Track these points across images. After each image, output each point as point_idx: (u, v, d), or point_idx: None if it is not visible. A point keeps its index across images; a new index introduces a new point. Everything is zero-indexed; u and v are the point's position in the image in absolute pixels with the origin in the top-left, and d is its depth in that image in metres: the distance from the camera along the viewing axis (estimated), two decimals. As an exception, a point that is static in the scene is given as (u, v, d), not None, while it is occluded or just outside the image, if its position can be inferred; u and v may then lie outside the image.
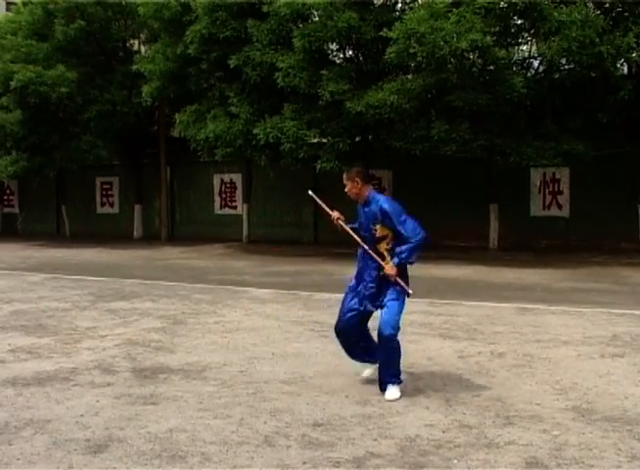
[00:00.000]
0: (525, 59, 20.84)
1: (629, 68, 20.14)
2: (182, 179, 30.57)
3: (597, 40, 17.77)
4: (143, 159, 30.38)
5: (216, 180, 29.76)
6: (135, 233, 30.50)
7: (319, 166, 21.23)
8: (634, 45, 18.28)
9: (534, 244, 22.55)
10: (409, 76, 20.19)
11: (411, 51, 18.37)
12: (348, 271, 17.67)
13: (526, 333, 9.88)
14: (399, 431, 5.97)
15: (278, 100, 21.72)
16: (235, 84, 22.34)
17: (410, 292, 7.13)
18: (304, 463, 5.30)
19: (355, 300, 7.22)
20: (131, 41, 29.93)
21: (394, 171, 25.82)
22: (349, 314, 7.24)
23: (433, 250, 21.99)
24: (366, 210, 7.16)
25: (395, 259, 6.94)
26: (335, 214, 7.39)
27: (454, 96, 18.94)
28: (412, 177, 24.86)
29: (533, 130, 19.76)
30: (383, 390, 6.97)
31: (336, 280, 16.29)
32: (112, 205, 32.81)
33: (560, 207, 23.36)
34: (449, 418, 6.28)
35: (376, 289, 7.09)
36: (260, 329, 10.34)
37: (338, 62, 22.30)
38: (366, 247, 7.08)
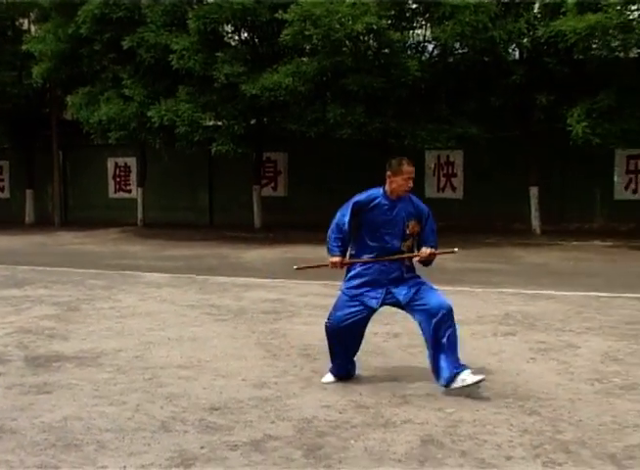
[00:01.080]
0: (419, 43, 21.06)
1: (521, 52, 20.56)
2: (75, 163, 29.97)
3: (490, 25, 18.11)
4: (35, 142, 29.52)
5: (110, 164, 29.31)
6: (27, 218, 29.76)
7: (214, 150, 21.12)
8: (525, 30, 18.71)
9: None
10: (304, 59, 20.18)
11: (306, 33, 18.39)
12: (244, 255, 17.69)
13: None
14: (296, 413, 5.98)
15: (173, 82, 21.46)
16: (129, 66, 21.98)
17: (455, 250, 7.02)
18: (202, 448, 5.26)
19: (365, 297, 6.68)
20: (20, 20, 29.03)
21: (290, 154, 25.86)
22: (356, 314, 6.68)
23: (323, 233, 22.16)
24: (398, 206, 6.69)
25: (430, 245, 6.73)
26: (337, 260, 6.72)
27: (349, 79, 19.04)
28: (307, 160, 24.94)
29: (428, 113, 20.02)
30: (451, 380, 6.41)
31: (232, 263, 16.26)
32: (2, 189, 31.93)
33: (454, 189, 23.79)
34: (346, 399, 6.33)
35: (396, 288, 6.67)
36: (156, 314, 10.23)
37: (233, 44, 22.15)
38: (385, 258, 6.64)
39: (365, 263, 6.71)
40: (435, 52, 20.89)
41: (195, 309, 10.52)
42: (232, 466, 4.96)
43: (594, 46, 18.31)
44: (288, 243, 20.07)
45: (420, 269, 6.88)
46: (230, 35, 22.41)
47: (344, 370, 6.91)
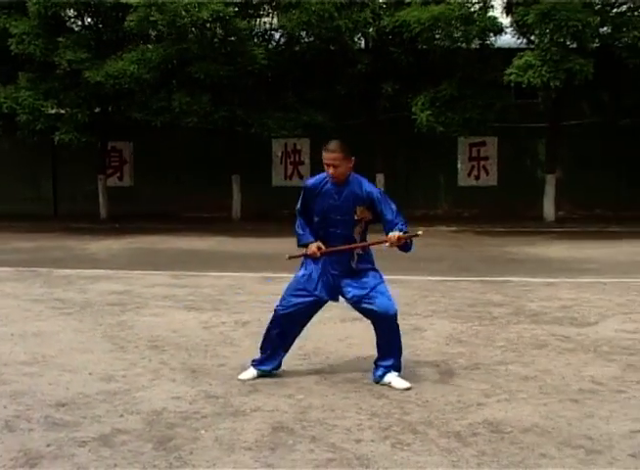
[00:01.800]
0: (266, 31, 21.06)
1: (366, 42, 20.85)
2: None
3: (335, 14, 18.26)
4: None
5: (-54, 153, 28.02)
6: None
7: (57, 138, 20.51)
8: (371, 20, 18.98)
9: (277, 214, 22.93)
10: (150, 46, 19.88)
11: (151, 19, 18.11)
12: (90, 246, 17.26)
13: (270, 301, 9.91)
14: (146, 405, 5.86)
15: (12, 68, 20.69)
16: (-36, 51, 21.06)
17: (420, 232, 6.54)
18: (48, 445, 5.07)
19: (316, 287, 6.50)
20: None
21: (136, 143, 25.40)
22: (305, 300, 6.53)
23: (176, 222, 21.94)
24: (345, 191, 6.42)
25: (398, 228, 6.32)
26: (315, 248, 6.44)
27: (195, 67, 18.86)
28: (154, 149, 24.57)
29: (275, 102, 20.06)
30: (381, 377, 6.37)
31: (77, 255, 15.83)
32: None
33: (301, 176, 23.92)
34: (195, 389, 6.24)
35: (347, 279, 6.48)
36: (-3, 308, 9.84)
37: (76, 29, 21.52)
38: (342, 247, 6.41)
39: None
40: (282, 40, 20.92)
41: (39, 303, 10.16)
42: (80, 463, 4.80)
43: (437, 37, 18.76)
44: (134, 233, 19.70)
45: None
46: (73, 20, 21.79)
47: (277, 362, 6.63)
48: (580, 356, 7.24)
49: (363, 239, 6.52)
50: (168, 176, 24.17)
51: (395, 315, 6.39)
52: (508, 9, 19.94)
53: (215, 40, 19.27)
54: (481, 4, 19.76)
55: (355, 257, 6.46)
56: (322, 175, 6.53)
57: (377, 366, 6.44)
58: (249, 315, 9.07)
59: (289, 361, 6.95)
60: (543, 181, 21.29)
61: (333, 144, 6.54)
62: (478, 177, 23.41)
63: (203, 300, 10.19)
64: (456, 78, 19.02)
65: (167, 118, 19.79)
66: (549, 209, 21.09)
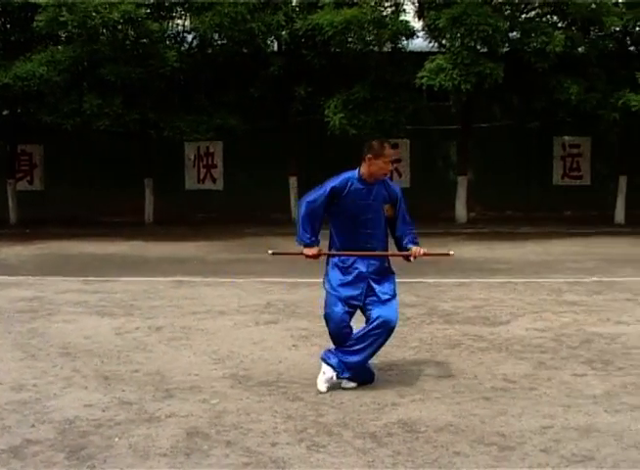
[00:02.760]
0: (178, 33, 20.88)
1: (279, 45, 20.84)
2: None
3: (248, 17, 18.23)
4: None
5: None
6: None
7: (-37, 142, 20.00)
8: (284, 23, 18.98)
9: (190, 217, 22.77)
10: (60, 47, 19.52)
11: (61, 20, 17.78)
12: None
13: (183, 306, 9.93)
14: (57, 414, 5.73)
15: None
16: None
17: (451, 253, 6.61)
18: (-47, 457, 4.93)
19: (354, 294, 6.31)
20: None
21: (46, 146, 24.89)
22: (347, 309, 6.31)
23: (88, 226, 21.58)
24: (374, 189, 6.38)
25: (413, 242, 6.44)
26: (313, 253, 6.32)
27: (107, 69, 18.61)
28: (65, 152, 24.13)
29: (187, 104, 19.90)
30: (342, 376, 6.31)
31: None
32: None
33: (214, 180, 23.80)
34: (109, 396, 6.14)
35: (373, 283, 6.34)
36: None
37: (-18, 30, 21.02)
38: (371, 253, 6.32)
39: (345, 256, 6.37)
40: (195, 43, 20.78)
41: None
42: (-13, 475, 4.68)
43: (350, 40, 18.87)
44: (45, 238, 19.30)
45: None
46: (-21, 20, 21.25)
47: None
48: (493, 355, 7.35)
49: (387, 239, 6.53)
50: (80, 180, 23.75)
51: (394, 327, 6.32)
52: (420, 13, 20.16)
53: (127, 42, 19.03)
54: (394, 8, 19.97)
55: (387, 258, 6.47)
56: (345, 176, 6.44)
57: (336, 355, 6.31)
58: (162, 320, 8.97)
59: (203, 366, 6.92)
60: (455, 183, 21.59)
61: (388, 141, 6.60)
62: (391, 179, 23.59)
63: (115, 305, 10.03)
64: (369, 81, 19.15)
65: (78, 121, 19.45)
66: (461, 210, 21.39)
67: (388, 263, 6.47)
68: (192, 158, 24.05)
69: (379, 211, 6.40)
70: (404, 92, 19.43)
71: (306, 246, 6.34)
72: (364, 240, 6.34)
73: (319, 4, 18.98)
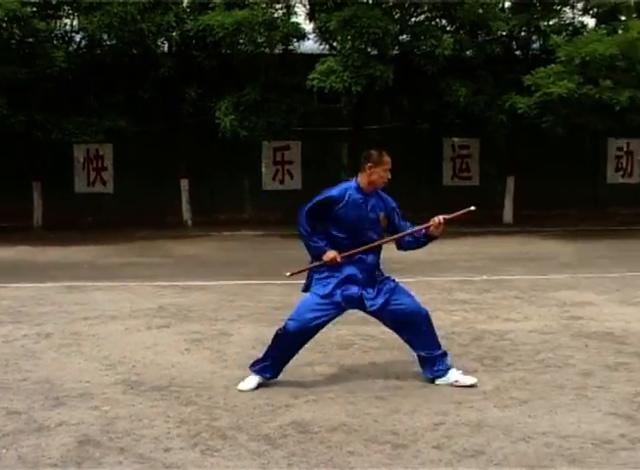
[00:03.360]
0: (66, 33, 20.44)
1: (170, 46, 20.64)
2: None
3: (138, 17, 18.00)
4: None
5: None
6: None
7: None
8: (174, 24, 18.81)
9: (80, 221, 22.31)
10: None
11: (-59, 17, 17.20)
12: None
13: (74, 311, 9.73)
14: (-60, 425, 5.55)
15: None
16: None
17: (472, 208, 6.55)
18: None
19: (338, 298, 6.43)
20: None
21: None
22: (324, 317, 6.45)
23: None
24: (371, 200, 6.47)
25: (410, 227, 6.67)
26: (334, 255, 6.33)
27: (-9, 69, 18.08)
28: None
29: (76, 106, 19.53)
30: (439, 377, 6.46)
31: None
32: None
33: (104, 183, 23.40)
34: (-5, 405, 5.98)
35: (369, 289, 6.46)
36: None
37: None
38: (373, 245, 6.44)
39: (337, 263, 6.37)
40: (83, 43, 20.40)
41: None
42: None
43: (241, 41, 18.81)
44: None
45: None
46: None
47: (278, 371, 6.48)
48: (385, 355, 7.45)
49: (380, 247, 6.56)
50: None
51: (428, 313, 6.51)
52: (311, 15, 20.24)
53: (12, 41, 18.53)
54: (285, 10, 19.99)
55: (377, 264, 6.53)
56: (343, 186, 6.52)
57: (430, 364, 6.46)
58: (52, 326, 8.77)
59: (94, 372, 6.80)
60: (346, 184, 21.74)
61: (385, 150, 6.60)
62: (282, 181, 23.65)
63: (2, 312, 9.75)
64: (260, 83, 19.13)
65: (-39, 123, 18.90)
66: (352, 211, 21.55)
67: (380, 272, 6.57)
68: (81, 160, 23.57)
69: (376, 222, 6.48)
70: (295, 94, 19.47)
71: (324, 253, 6.35)
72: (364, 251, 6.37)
73: (210, 5, 18.88)
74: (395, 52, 19.30)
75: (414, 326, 6.44)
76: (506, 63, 20.52)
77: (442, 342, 7.83)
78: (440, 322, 8.83)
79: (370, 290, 6.43)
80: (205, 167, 22.84)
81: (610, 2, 20.07)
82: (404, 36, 19.22)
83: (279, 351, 6.43)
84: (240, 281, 12.07)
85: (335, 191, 6.43)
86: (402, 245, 6.76)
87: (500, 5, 20.36)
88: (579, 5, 21.13)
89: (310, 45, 20.44)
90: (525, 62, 20.48)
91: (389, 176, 6.52)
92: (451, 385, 6.39)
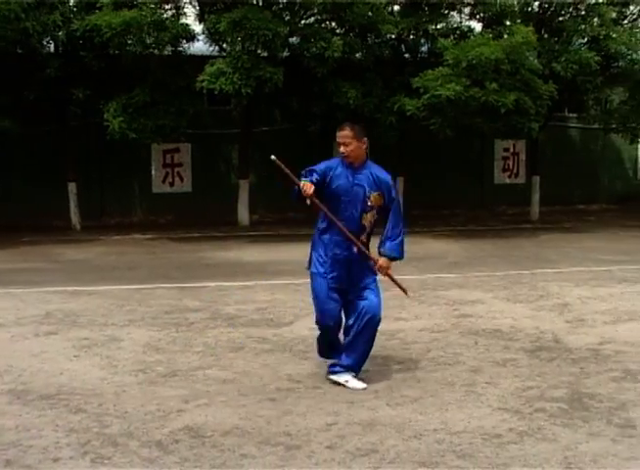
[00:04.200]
0: None
1: (56, 46, 20.17)
2: None
3: (23, 16, 17.52)
4: None
5: None
6: None
7: None
8: (61, 23, 18.42)
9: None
10: None
11: None
12: None
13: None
14: None
15: None
16: None
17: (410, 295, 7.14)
18: None
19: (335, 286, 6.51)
20: None
21: None
22: (335, 305, 6.52)
23: None
24: (359, 175, 6.55)
25: (388, 252, 6.63)
26: (308, 188, 6.25)
27: None
28: None
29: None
30: (334, 373, 6.56)
31: None
32: None
33: (-12, 186, 22.75)
34: None
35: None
36: None
37: None
38: (347, 233, 6.46)
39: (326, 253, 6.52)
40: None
41: None
42: None
43: (129, 42, 18.51)
44: None
45: None
46: None
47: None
48: (277, 356, 7.45)
49: (372, 229, 6.69)
50: None
51: (379, 320, 6.55)
52: (201, 16, 20.08)
53: None
54: (174, 11, 19.80)
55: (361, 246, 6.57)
56: (334, 159, 6.71)
57: (335, 363, 6.60)
58: None
59: (-22, 381, 6.59)
60: (237, 186, 21.66)
61: (344, 124, 6.70)
62: (172, 184, 23.41)
63: None
64: (149, 85, 18.89)
65: None
66: (243, 213, 21.47)
67: (367, 248, 6.65)
68: (-37, 162, 22.88)
69: (359, 197, 6.51)
70: (185, 96, 19.29)
71: (305, 183, 6.32)
72: (344, 223, 6.45)
73: (97, 4, 18.53)
74: (285, 54, 19.33)
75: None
76: (395, 65, 20.77)
77: (334, 342, 7.92)
78: (332, 323, 8.91)
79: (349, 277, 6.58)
80: (94, 170, 22.43)
81: (495, 7, 20.55)
82: (294, 38, 19.26)
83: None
84: (130, 285, 11.88)
85: (325, 162, 6.68)
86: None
87: (389, 8, 20.59)
88: (466, 10, 21.55)
89: (200, 46, 20.30)
90: (413, 64, 20.76)
91: (341, 150, 6.62)
92: (340, 384, 6.44)
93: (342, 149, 6.56)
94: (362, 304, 6.46)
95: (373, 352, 7.48)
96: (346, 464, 4.85)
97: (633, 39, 20.59)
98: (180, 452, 5.03)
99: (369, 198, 6.52)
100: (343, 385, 6.44)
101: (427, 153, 23.25)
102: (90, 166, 22.19)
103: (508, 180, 26.47)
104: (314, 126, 21.67)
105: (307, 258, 6.72)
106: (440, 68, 18.47)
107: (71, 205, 21.06)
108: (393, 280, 6.71)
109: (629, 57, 20.98)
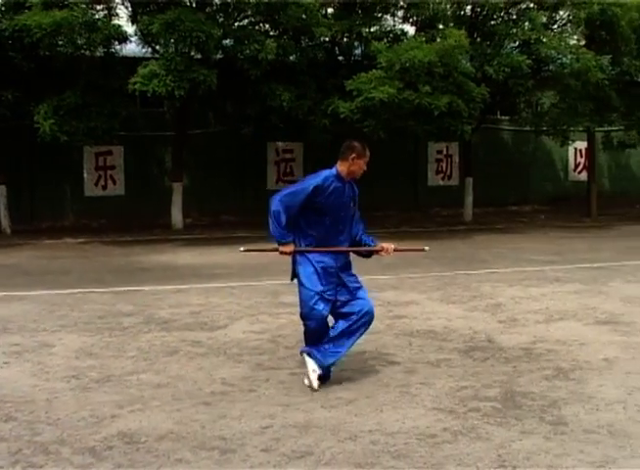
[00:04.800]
0: None
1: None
2: None
3: None
4: None
5: None
6: None
7: None
8: None
9: None
10: None
11: None
12: None
13: None
14: None
15: None
16: None
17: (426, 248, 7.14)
18: None
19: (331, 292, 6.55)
20: None
21: None
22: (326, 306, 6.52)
23: None
24: (347, 188, 6.65)
25: (372, 242, 6.85)
26: (287, 251, 6.53)
27: None
28: None
29: None
30: (310, 355, 6.54)
31: None
32: None
33: None
34: None
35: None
36: None
37: None
38: (338, 249, 6.60)
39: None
40: None
41: None
42: None
43: (60, 43, 18.25)
44: None
45: None
46: None
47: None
48: (211, 360, 7.40)
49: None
50: None
51: (372, 319, 6.70)
52: (133, 17, 19.90)
53: None
54: (106, 11, 19.59)
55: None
56: (324, 174, 6.61)
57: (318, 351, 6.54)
58: None
59: None
60: (171, 189, 21.50)
61: (365, 145, 6.81)
62: (105, 187, 23.13)
63: None
64: (80, 86, 18.65)
65: None
66: (177, 216, 21.31)
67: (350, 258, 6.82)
68: None
69: (350, 209, 6.68)
70: (117, 98, 19.10)
71: (283, 244, 6.51)
72: (337, 236, 6.61)
73: (27, 4, 18.23)
74: (219, 56, 19.25)
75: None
76: (329, 68, 20.82)
77: (269, 345, 7.93)
78: (266, 325, 8.92)
79: (346, 277, 6.68)
80: (25, 173, 22.07)
81: (428, 11, 20.75)
82: (228, 40, 19.18)
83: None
84: (62, 290, 11.69)
85: (318, 180, 6.55)
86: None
87: (323, 11, 20.65)
88: (400, 13, 21.75)
89: (132, 48, 20.12)
90: (347, 67, 20.84)
91: (364, 169, 6.73)
92: (303, 372, 6.57)
93: (364, 168, 6.73)
94: (360, 303, 6.61)
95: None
96: (282, 467, 4.83)
97: (563, 44, 20.97)
98: (114, 458, 4.97)
99: (354, 207, 6.77)
100: (306, 373, 6.51)
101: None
102: (20, 169, 21.86)
103: (442, 182, 26.75)
104: (248, 129, 21.64)
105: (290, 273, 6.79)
106: (374, 70, 18.59)
107: (1, 208, 20.68)
108: (405, 249, 7.16)
109: (559, 61, 21.33)
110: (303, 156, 24.89)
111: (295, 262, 6.63)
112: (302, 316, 6.58)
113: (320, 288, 6.44)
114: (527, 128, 24.58)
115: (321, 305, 6.44)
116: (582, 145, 26.96)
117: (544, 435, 5.36)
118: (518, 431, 5.44)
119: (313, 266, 6.49)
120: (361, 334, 6.67)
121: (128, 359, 7.45)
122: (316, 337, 6.55)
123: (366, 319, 6.59)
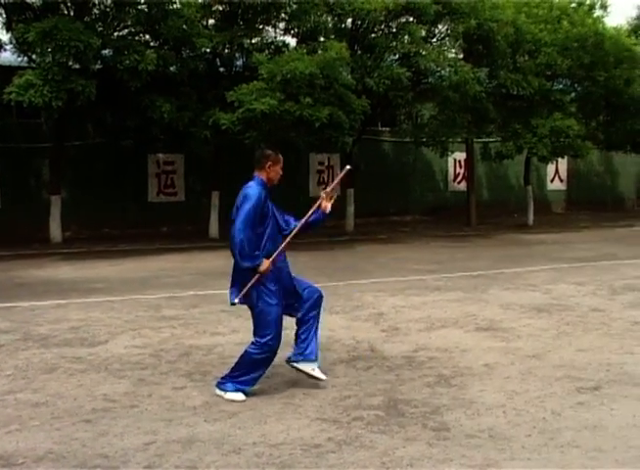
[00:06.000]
0: None
1: None
2: None
3: None
4: None
5: None
6: None
7: None
8: None
9: None
10: None
11: None
12: None
13: None
14: None
15: None
16: None
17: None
18: None
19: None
20: None
21: None
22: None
23: None
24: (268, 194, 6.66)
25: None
26: (268, 265, 6.51)
27: None
28: None
29: None
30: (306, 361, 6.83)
31: None
32: None
33: None
34: None
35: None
36: None
37: None
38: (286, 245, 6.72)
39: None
40: None
41: None
42: None
43: None
44: None
45: None
46: None
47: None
48: (92, 376, 7.24)
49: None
50: None
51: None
52: (8, 25, 19.41)
53: None
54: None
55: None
56: (256, 186, 6.56)
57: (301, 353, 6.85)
58: None
59: None
60: (49, 202, 21.01)
61: (277, 150, 6.79)
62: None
63: None
64: None
65: None
66: (56, 230, 20.83)
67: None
68: None
69: (274, 215, 6.70)
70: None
71: (258, 265, 6.40)
72: (278, 241, 6.65)
73: None
74: (98, 66, 18.92)
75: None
76: (210, 79, 20.78)
77: (151, 360, 7.81)
78: (148, 340, 8.78)
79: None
80: None
81: (309, 23, 20.90)
82: (107, 50, 18.89)
83: (264, 364, 6.64)
84: None
85: (259, 188, 6.53)
86: (308, 228, 6.93)
87: (204, 22, 20.58)
88: (281, 25, 21.84)
89: (7, 57, 19.61)
90: (228, 78, 20.82)
91: (281, 173, 6.79)
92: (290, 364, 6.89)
93: (280, 173, 6.77)
94: (310, 290, 7.09)
95: (189, 368, 7.43)
96: (164, 483, 4.77)
97: (442, 57, 21.47)
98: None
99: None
100: (309, 374, 6.77)
101: (242, 167, 23.16)
102: None
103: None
104: (128, 140, 21.37)
105: (237, 293, 6.61)
106: (255, 82, 18.62)
107: None
108: (335, 185, 7.28)
109: (438, 73, 21.83)
110: (185, 167, 24.76)
111: (256, 290, 6.55)
112: (270, 349, 6.60)
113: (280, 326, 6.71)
114: (408, 139, 25.01)
115: (279, 329, 6.70)
116: (461, 156, 27.65)
117: (427, 441, 5.43)
118: (401, 438, 5.50)
119: (277, 298, 6.64)
120: (318, 313, 7.16)
121: (5, 378, 7.22)
122: (266, 365, 6.67)
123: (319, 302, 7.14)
